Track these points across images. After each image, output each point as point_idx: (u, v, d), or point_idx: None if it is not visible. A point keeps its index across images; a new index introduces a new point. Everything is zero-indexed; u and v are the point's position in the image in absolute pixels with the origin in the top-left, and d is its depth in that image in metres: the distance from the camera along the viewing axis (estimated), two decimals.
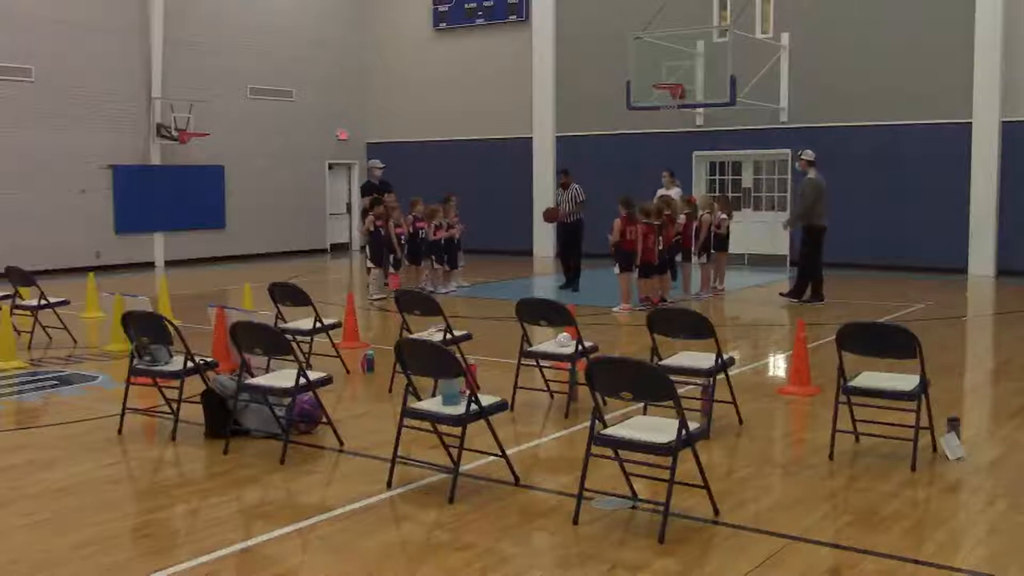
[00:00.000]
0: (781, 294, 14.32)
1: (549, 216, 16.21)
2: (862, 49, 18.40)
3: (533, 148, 22.21)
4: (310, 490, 6.06)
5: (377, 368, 9.28)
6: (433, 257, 15.46)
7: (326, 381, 6.86)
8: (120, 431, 7.19)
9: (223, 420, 6.89)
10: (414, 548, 5.11)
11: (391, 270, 15.31)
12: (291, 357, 6.64)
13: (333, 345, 9.53)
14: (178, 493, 6.02)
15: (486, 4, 22.86)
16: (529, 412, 7.85)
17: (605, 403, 5.48)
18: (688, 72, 17.18)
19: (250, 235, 22.35)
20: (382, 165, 16.94)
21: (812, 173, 14.21)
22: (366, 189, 16.53)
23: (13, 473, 6.36)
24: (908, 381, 6.41)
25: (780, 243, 18.68)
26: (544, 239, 21.48)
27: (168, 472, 6.52)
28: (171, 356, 7.31)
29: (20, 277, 11.68)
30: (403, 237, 15.18)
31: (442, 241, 15.43)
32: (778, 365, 10.08)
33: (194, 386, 7.26)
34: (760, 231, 19.15)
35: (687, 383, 7.50)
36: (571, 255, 15.82)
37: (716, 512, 5.36)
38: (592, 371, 5.31)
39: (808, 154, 14.39)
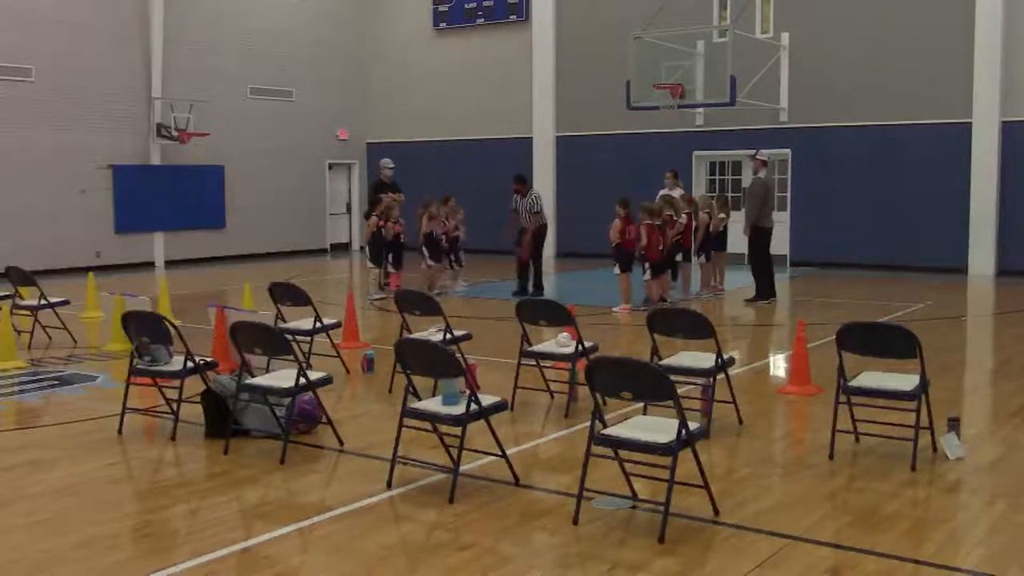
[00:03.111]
0: (746, 300, 14.26)
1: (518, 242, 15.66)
2: (862, 49, 18.40)
3: (533, 148, 22.21)
4: (310, 490, 6.06)
5: (377, 368, 9.28)
6: (427, 253, 15.37)
7: (326, 381, 6.86)
8: (120, 431, 7.19)
9: (223, 420, 6.89)
10: (414, 548, 5.11)
11: (391, 270, 15.30)
12: (291, 357, 6.64)
13: (333, 345, 9.53)
14: (178, 493, 6.02)
15: (486, 4, 22.86)
16: (529, 412, 7.85)
17: (605, 403, 5.48)
18: (688, 72, 17.18)
19: (250, 235, 22.35)
20: (392, 164, 16.85)
21: (763, 174, 14.25)
22: (375, 188, 16.48)
23: (13, 473, 6.36)
24: (908, 381, 6.41)
25: (779, 243, 18.66)
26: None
27: (168, 472, 6.52)
28: (171, 356, 7.31)
29: (20, 277, 11.68)
30: (401, 236, 15.16)
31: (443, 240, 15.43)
32: (778, 365, 10.08)
33: (194, 386, 7.26)
34: None
35: (687, 383, 7.50)
36: (534, 261, 15.25)
37: (716, 512, 5.36)
38: (592, 371, 5.31)
39: (763, 154, 14.45)
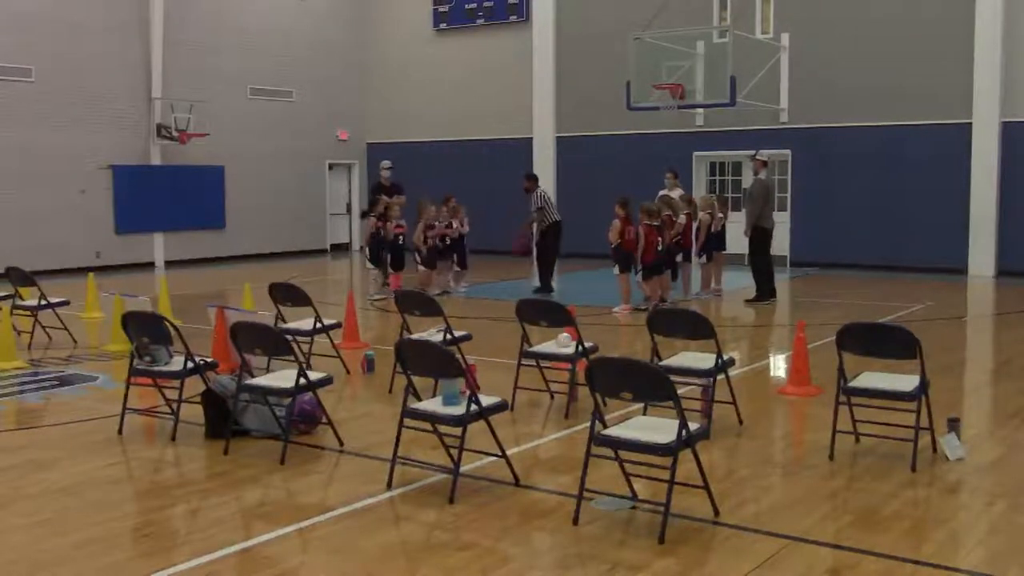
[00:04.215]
0: (747, 301, 14.27)
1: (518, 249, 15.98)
2: (862, 49, 18.40)
3: (533, 148, 22.21)
4: (310, 490, 6.06)
5: (377, 368, 9.28)
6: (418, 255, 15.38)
7: (326, 381, 6.86)
8: (120, 431, 7.19)
9: (223, 420, 6.89)
10: (414, 548, 5.11)
11: (390, 270, 15.31)
12: (291, 357, 6.64)
13: (333, 345, 9.53)
14: (178, 493, 6.02)
15: (486, 4, 22.86)
16: (529, 412, 7.86)
17: (605, 403, 5.47)
18: (688, 72, 17.18)
19: (250, 235, 22.36)
20: (390, 165, 16.93)
21: (763, 174, 14.26)
22: (375, 189, 16.54)
23: (13, 473, 6.36)
24: (908, 381, 6.41)
25: (779, 243, 18.64)
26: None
27: (168, 472, 6.52)
28: (171, 356, 7.31)
29: (20, 277, 11.68)
30: (401, 237, 15.16)
31: (448, 241, 15.47)
32: (778, 365, 10.08)
33: (194, 386, 7.26)
34: None
35: (687, 383, 7.49)
36: (541, 259, 15.56)
37: (716, 512, 5.36)
38: (592, 371, 5.31)
39: (762, 154, 14.47)
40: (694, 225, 14.64)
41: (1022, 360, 10.17)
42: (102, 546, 5.05)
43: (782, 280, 16.30)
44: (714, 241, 14.89)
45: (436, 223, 15.30)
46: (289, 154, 23.18)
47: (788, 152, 19.29)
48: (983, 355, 11.21)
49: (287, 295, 9.70)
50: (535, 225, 15.63)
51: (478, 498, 5.72)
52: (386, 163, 17.00)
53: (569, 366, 7.87)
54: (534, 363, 8.11)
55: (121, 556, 4.97)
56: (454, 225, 15.47)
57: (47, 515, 5.54)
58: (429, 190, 16.99)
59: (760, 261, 14.23)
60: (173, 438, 6.99)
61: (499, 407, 6.01)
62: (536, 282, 15.37)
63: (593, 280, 15.87)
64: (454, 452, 5.78)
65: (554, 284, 15.48)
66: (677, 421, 5.06)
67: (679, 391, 5.21)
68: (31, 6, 18.49)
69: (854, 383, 6.51)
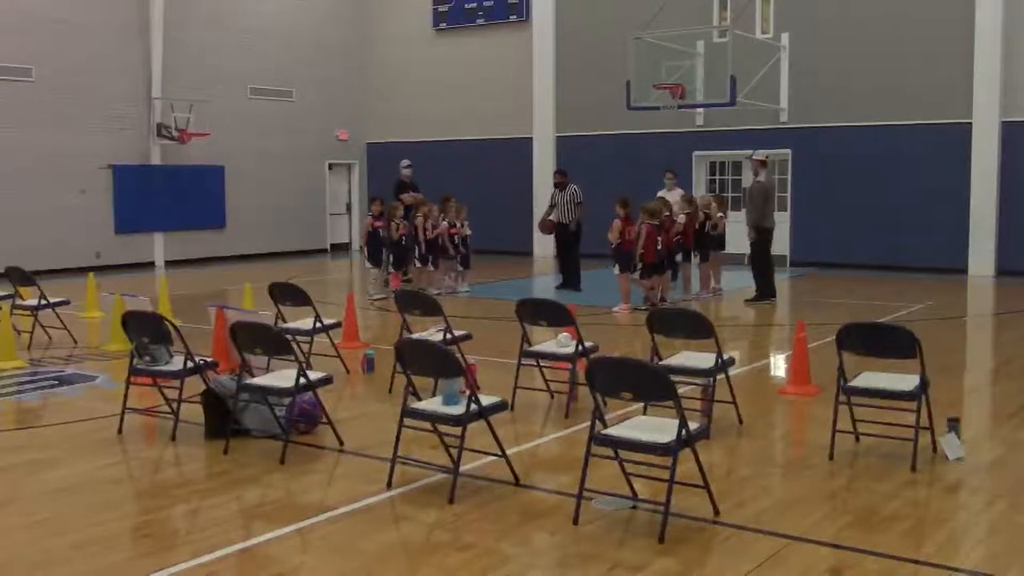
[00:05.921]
0: (747, 300, 14.27)
1: (545, 227, 16.27)
2: (862, 49, 18.40)
3: (533, 148, 22.21)
4: (310, 490, 6.06)
5: (377, 368, 9.28)
6: (428, 256, 15.42)
7: (326, 381, 6.86)
8: (120, 431, 7.19)
9: (223, 420, 6.89)
10: (414, 548, 5.11)
11: (390, 270, 15.32)
12: (291, 357, 6.64)
13: (333, 345, 9.53)
14: (178, 493, 6.02)
15: (486, 4, 22.86)
16: (529, 412, 7.85)
17: (605, 403, 5.47)
18: (688, 72, 17.16)
19: (250, 235, 22.36)
20: (409, 163, 17.08)
21: (762, 175, 14.26)
22: (398, 188, 16.64)
23: (13, 473, 6.36)
24: (908, 381, 6.41)
25: (779, 243, 18.62)
26: (544, 239, 21.43)
27: (168, 472, 6.52)
28: (171, 356, 7.31)
29: (20, 277, 11.68)
30: (404, 238, 15.15)
31: (455, 241, 15.48)
32: (778, 365, 10.08)
33: (194, 386, 7.26)
34: None
35: (687, 383, 7.49)
36: (569, 256, 15.79)
37: (716, 512, 5.36)
38: (592, 371, 5.31)
39: (760, 154, 14.47)
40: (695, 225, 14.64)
41: (1022, 360, 10.16)
42: (102, 546, 5.05)
43: (782, 280, 16.29)
44: (713, 241, 14.89)
45: (440, 222, 15.31)
46: (289, 154, 23.18)
47: (788, 152, 19.29)
48: (983, 355, 11.21)
49: (287, 295, 9.71)
50: (556, 217, 15.78)
51: (478, 498, 5.72)
52: (406, 161, 17.16)
53: (569, 366, 7.88)
54: (534, 363, 8.11)
55: (121, 556, 4.97)
56: (458, 226, 15.48)
57: (46, 515, 5.54)
58: (428, 190, 17.02)
59: (760, 261, 14.23)
60: (173, 438, 6.99)
61: (499, 407, 6.01)
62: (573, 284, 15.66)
63: (593, 280, 15.87)
64: (454, 452, 5.78)
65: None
66: (677, 421, 5.06)
67: (679, 391, 5.22)
68: (31, 6, 18.49)
69: (854, 383, 6.51)
